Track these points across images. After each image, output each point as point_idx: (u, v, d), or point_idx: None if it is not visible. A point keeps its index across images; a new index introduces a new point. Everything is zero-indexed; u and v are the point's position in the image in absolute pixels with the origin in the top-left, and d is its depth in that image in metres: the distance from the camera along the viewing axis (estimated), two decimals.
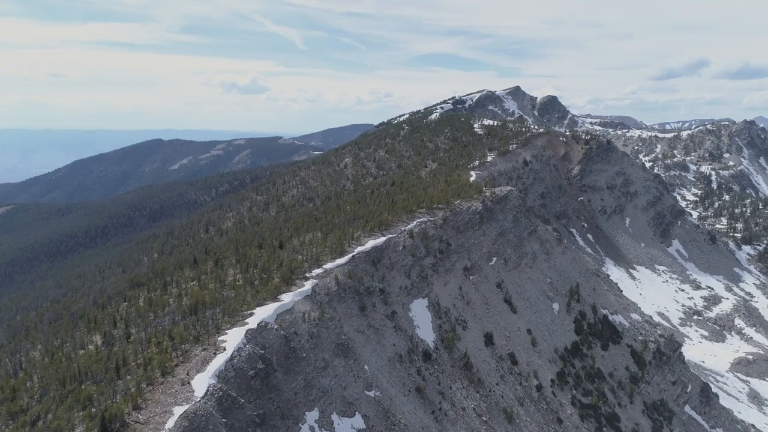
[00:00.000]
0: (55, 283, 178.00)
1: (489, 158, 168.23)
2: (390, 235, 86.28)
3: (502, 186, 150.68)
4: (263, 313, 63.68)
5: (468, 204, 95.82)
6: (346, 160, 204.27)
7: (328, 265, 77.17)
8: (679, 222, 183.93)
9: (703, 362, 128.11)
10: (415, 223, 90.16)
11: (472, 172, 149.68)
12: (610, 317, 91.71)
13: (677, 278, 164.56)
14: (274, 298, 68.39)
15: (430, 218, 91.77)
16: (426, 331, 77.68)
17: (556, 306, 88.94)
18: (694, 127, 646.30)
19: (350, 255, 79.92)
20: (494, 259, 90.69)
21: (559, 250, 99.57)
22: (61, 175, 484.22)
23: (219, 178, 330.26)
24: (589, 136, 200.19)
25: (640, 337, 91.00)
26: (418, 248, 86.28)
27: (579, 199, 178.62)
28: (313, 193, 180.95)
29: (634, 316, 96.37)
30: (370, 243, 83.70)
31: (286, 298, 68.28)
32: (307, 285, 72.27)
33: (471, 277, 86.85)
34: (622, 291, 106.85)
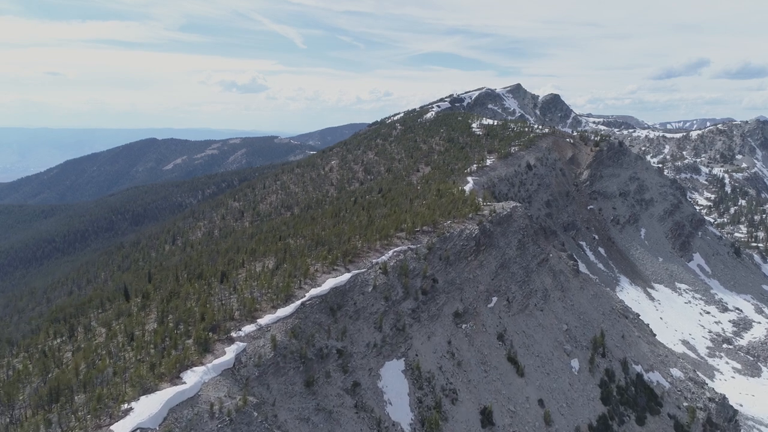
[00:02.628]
0: (4, 300, 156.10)
1: (488, 162, 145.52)
2: (357, 271, 63.56)
3: (502, 197, 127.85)
4: (147, 408, 41.55)
5: (461, 226, 72.84)
6: (333, 162, 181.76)
7: (265, 320, 54.49)
8: (699, 233, 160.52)
9: (741, 406, 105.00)
10: (391, 252, 67.35)
11: (469, 178, 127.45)
12: (646, 376, 69.10)
13: (701, 298, 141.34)
14: (175, 377, 45.96)
15: (412, 246, 68.89)
16: (401, 408, 54.96)
17: (575, 364, 66.32)
18: (695, 126, 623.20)
19: (299, 302, 57.18)
20: (494, 299, 67.86)
21: (576, 284, 76.69)
22: (53, 175, 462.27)
23: (206, 179, 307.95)
24: (598, 137, 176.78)
25: (685, 403, 68.38)
26: (393, 288, 63.49)
27: (589, 207, 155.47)
28: (293, 200, 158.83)
29: (675, 372, 73.60)
30: (329, 282, 61.00)
31: (192, 377, 45.80)
32: (229, 352, 49.79)
33: (464, 326, 64.04)
34: (655, 335, 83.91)
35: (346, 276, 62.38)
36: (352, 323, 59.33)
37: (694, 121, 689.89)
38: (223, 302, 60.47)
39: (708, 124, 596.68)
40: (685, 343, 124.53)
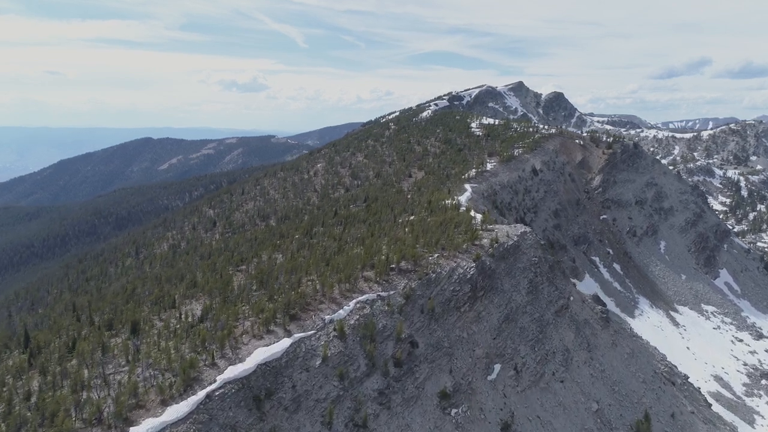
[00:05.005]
0: None
1: (489, 166, 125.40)
2: (301, 334, 43.32)
3: (504, 207, 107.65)
4: None
5: (452, 263, 52.43)
6: (318, 166, 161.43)
7: (143, 427, 34.18)
8: (725, 246, 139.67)
9: None
10: (353, 304, 47.00)
11: (467, 186, 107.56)
12: None
13: (731, 323, 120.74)
14: None
15: (382, 293, 48.55)
16: None
17: None
18: (698, 125, 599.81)
19: (203, 392, 36.94)
20: (496, 368, 47.71)
21: (606, 339, 56.36)
22: (46, 175, 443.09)
23: (195, 181, 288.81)
24: (611, 138, 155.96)
25: None
26: (353, 359, 43.24)
27: (602, 217, 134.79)
28: (271, 208, 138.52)
29: None
30: (258, 354, 40.81)
31: None
32: None
33: (453, 412, 43.80)
34: (711, 405, 63.51)
35: (284, 343, 42.15)
36: (288, 419, 39.09)
37: (697, 121, 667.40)
38: (107, 381, 40.59)
39: (710, 123, 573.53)
40: (718, 379, 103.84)
